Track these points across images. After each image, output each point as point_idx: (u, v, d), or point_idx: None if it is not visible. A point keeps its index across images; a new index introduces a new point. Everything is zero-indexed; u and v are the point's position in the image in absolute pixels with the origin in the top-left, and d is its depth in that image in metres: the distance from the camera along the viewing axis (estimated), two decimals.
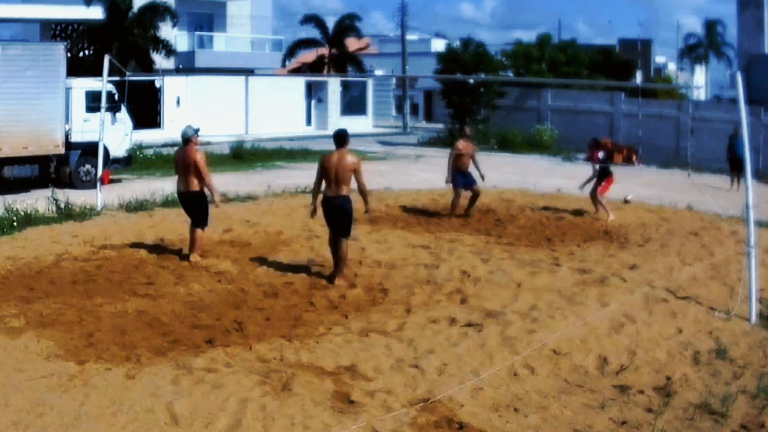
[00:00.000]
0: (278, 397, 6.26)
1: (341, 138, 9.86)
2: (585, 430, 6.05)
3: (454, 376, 6.91)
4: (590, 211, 15.49)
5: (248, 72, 39.33)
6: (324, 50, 43.70)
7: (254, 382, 6.53)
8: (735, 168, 20.66)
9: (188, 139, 10.78)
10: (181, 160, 10.84)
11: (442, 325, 8.31)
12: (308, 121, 39.77)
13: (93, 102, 18.06)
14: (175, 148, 25.28)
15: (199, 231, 10.80)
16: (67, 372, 6.66)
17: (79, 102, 18.60)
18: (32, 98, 17.22)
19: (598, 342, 7.90)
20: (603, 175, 15.30)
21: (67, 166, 18.15)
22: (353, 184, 9.91)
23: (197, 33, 40.15)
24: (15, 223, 12.60)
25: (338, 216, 9.88)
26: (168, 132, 31.86)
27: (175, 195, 15.65)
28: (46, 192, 15.05)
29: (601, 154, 15.59)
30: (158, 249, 11.47)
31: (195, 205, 10.86)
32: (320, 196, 10.03)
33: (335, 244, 10.00)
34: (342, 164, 9.67)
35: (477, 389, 6.65)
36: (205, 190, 10.86)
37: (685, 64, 69.21)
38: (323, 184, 9.86)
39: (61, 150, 17.89)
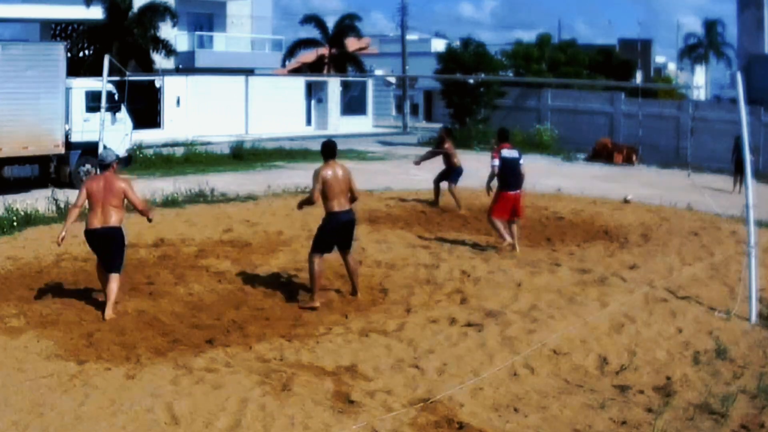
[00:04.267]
0: (278, 397, 6.26)
1: (333, 149, 9.10)
2: (585, 430, 6.05)
3: (454, 376, 6.91)
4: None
5: (248, 72, 39.32)
6: (324, 50, 43.68)
7: (254, 382, 6.53)
8: (740, 170, 20.20)
9: (108, 164, 8.67)
10: (103, 190, 8.50)
11: (442, 325, 8.31)
12: (308, 121, 39.78)
13: (93, 102, 18.05)
14: (175, 148, 25.48)
15: (116, 276, 8.49)
16: (67, 372, 6.66)
17: (79, 102, 18.59)
18: (32, 98, 17.21)
19: (598, 342, 7.90)
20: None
21: (67, 166, 18.15)
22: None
23: (197, 33, 40.13)
24: (15, 223, 12.60)
25: (348, 231, 9.20)
26: (168, 132, 31.89)
27: (175, 195, 15.78)
28: (46, 192, 15.06)
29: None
30: (158, 249, 11.47)
31: (115, 245, 8.57)
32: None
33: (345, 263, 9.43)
34: (344, 176, 9.06)
35: (477, 389, 6.65)
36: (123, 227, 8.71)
37: (685, 64, 69.20)
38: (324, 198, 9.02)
39: (61, 150, 17.89)
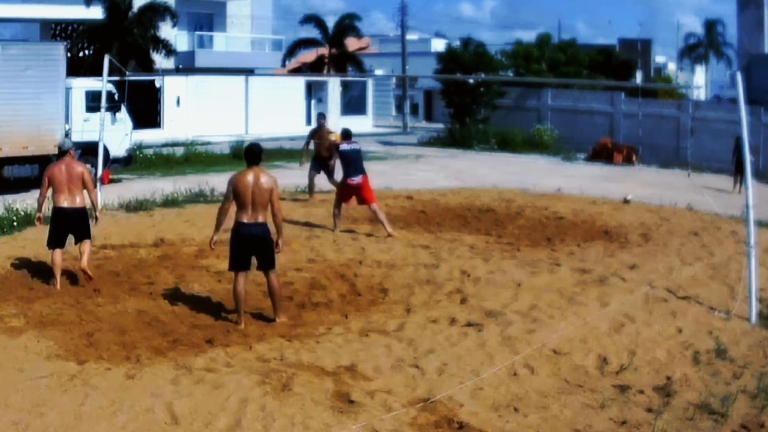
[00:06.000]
0: (278, 397, 6.26)
1: (255, 154, 8.37)
2: (585, 430, 6.05)
3: (454, 376, 6.91)
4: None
5: (248, 72, 39.32)
6: (324, 50, 43.71)
7: (254, 382, 6.53)
8: (740, 170, 20.11)
9: (66, 150, 9.66)
10: (66, 174, 9.50)
11: (442, 325, 8.31)
12: (308, 121, 39.69)
13: (93, 102, 18.05)
14: (175, 148, 25.48)
15: (89, 241, 9.70)
16: (67, 372, 6.66)
17: (79, 102, 18.59)
18: (32, 98, 17.19)
19: (598, 342, 7.90)
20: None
21: None
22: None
23: (197, 33, 40.14)
24: (15, 223, 12.60)
25: (259, 247, 8.33)
26: (168, 132, 31.88)
27: (175, 195, 15.79)
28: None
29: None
30: (158, 249, 11.47)
31: (83, 223, 9.72)
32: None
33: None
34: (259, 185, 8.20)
35: (477, 389, 6.65)
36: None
37: (685, 64, 69.19)
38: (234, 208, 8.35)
39: None
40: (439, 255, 11.45)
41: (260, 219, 8.23)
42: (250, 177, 8.20)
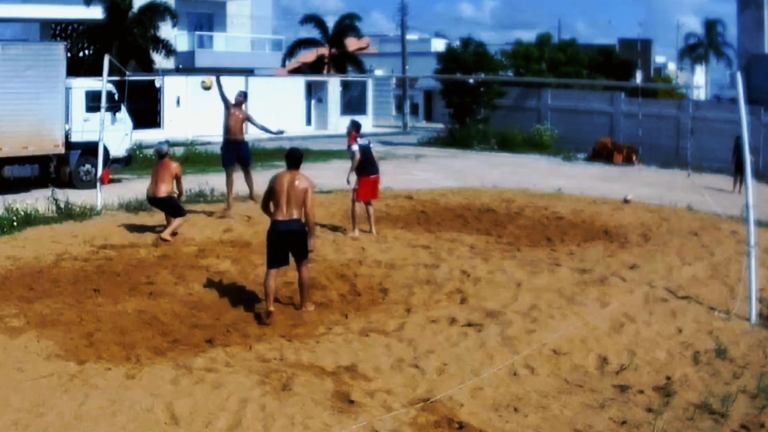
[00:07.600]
0: (278, 397, 6.26)
1: (296, 159, 8.85)
2: (585, 430, 6.05)
3: (454, 376, 6.91)
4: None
5: (248, 72, 39.31)
6: (324, 50, 43.70)
7: (254, 382, 6.53)
8: (740, 170, 20.09)
9: (165, 153, 12.33)
10: (160, 169, 12.30)
11: (442, 325, 8.32)
12: (308, 121, 39.77)
13: (93, 102, 18.05)
14: (175, 148, 25.49)
15: (179, 218, 12.19)
16: (67, 372, 6.66)
17: (79, 102, 18.58)
18: (32, 98, 17.21)
19: (598, 342, 7.90)
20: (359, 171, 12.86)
21: (67, 166, 18.15)
22: None
23: (197, 33, 40.11)
24: (15, 223, 12.60)
25: (292, 242, 8.69)
26: (168, 132, 31.84)
27: (175, 194, 15.79)
28: (46, 192, 15.04)
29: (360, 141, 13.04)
30: (158, 249, 11.47)
31: (168, 205, 12.31)
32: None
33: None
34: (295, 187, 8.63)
35: (477, 389, 6.65)
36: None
37: (685, 64, 69.19)
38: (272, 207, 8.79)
39: (61, 150, 17.89)
40: (439, 255, 11.45)
41: (295, 216, 8.64)
42: (287, 178, 8.67)
